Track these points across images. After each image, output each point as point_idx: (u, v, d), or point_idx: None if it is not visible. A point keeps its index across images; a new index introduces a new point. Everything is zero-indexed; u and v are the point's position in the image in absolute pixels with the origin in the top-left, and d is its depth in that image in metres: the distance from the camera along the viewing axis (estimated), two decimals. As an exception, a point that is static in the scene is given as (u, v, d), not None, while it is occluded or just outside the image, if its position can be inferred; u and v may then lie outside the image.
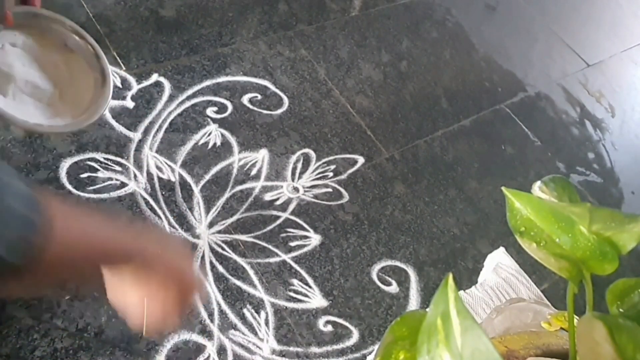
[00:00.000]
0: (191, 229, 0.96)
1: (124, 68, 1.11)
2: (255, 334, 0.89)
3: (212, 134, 1.09)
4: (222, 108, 1.14)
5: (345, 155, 1.17)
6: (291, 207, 1.05)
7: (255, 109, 1.16)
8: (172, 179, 1.01)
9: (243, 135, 1.11)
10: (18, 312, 0.80)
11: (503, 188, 0.53)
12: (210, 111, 1.12)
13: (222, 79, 1.18)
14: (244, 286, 0.93)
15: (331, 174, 1.13)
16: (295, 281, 0.97)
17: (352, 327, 0.95)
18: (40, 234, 0.42)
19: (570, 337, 0.49)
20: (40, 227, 0.42)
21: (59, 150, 0.97)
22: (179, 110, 1.10)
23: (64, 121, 0.91)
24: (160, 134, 1.06)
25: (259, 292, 0.94)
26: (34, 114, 0.88)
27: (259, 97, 1.18)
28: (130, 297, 0.55)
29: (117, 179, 0.97)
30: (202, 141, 1.08)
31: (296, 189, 1.08)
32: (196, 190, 1.01)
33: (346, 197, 1.11)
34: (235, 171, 1.06)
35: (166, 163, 1.03)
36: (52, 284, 0.48)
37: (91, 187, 0.95)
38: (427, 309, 0.37)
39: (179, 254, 0.58)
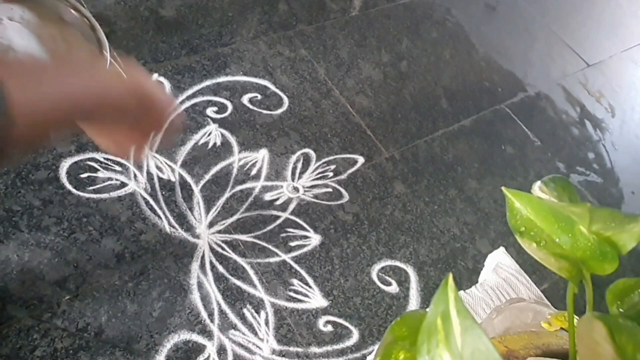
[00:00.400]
0: (191, 229, 0.96)
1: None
2: (255, 334, 0.89)
3: (212, 133, 1.09)
4: (222, 108, 1.14)
5: (345, 155, 1.17)
6: (291, 207, 1.05)
7: (255, 108, 1.16)
8: (172, 179, 1.01)
9: (243, 135, 1.11)
10: (18, 312, 0.81)
11: (503, 188, 0.53)
12: (210, 111, 1.12)
13: (222, 79, 1.18)
14: (244, 286, 0.93)
15: (331, 174, 1.13)
16: (295, 281, 0.97)
17: (352, 327, 0.95)
18: (2, 114, 0.41)
19: (570, 337, 0.49)
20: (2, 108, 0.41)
21: (59, 150, 0.97)
22: (179, 110, 1.10)
23: None
24: (160, 134, 1.06)
25: (259, 292, 0.94)
26: None
27: (259, 97, 1.18)
28: (113, 136, 0.56)
29: (117, 179, 0.97)
30: (202, 141, 1.08)
31: (296, 189, 1.08)
32: (196, 190, 1.01)
33: (346, 197, 1.11)
34: (235, 171, 1.06)
35: (166, 163, 1.03)
36: (26, 151, 0.45)
37: (91, 187, 0.95)
38: (427, 309, 0.37)
39: (136, 78, 0.55)
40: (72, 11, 1.02)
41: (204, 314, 0.89)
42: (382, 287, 1.02)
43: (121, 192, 0.96)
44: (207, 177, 1.04)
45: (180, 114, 0.67)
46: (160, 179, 1.00)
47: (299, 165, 1.12)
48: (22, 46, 0.94)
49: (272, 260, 0.98)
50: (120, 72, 0.53)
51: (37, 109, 0.45)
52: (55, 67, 0.50)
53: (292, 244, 1.01)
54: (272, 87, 1.21)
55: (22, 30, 0.95)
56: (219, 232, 0.98)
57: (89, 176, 0.96)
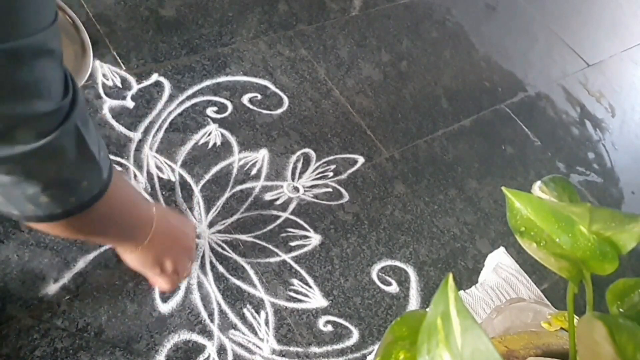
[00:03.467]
0: (191, 228, 0.96)
1: (124, 68, 1.11)
2: (255, 333, 0.89)
3: (212, 133, 1.09)
4: (222, 108, 1.14)
5: (345, 155, 1.17)
6: (291, 206, 1.05)
7: (255, 108, 1.16)
8: (172, 179, 1.01)
9: (243, 135, 1.11)
10: (18, 312, 0.81)
11: (503, 188, 0.53)
12: (210, 111, 1.12)
13: (222, 78, 1.18)
14: (244, 286, 0.93)
15: (331, 174, 1.13)
16: (295, 281, 0.97)
17: (352, 327, 0.95)
18: (107, 185, 0.50)
19: (570, 337, 0.49)
20: (108, 180, 0.50)
21: (59, 150, 0.97)
22: (179, 110, 1.10)
23: None
24: (160, 134, 1.06)
25: (259, 292, 0.94)
26: None
27: (259, 97, 1.18)
28: (146, 264, 0.66)
29: (117, 179, 0.97)
30: (202, 141, 1.08)
31: (296, 189, 1.08)
32: (196, 190, 1.01)
33: (346, 197, 1.11)
34: (235, 171, 1.06)
35: (166, 163, 1.03)
36: (90, 233, 0.55)
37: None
38: (427, 309, 0.37)
39: (183, 225, 0.70)
40: (60, 14, 1.02)
41: (204, 314, 0.89)
42: (382, 287, 1.02)
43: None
44: (207, 177, 1.04)
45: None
46: (160, 178, 1.00)
47: (299, 165, 1.12)
48: None
49: (272, 260, 0.98)
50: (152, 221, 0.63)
51: (111, 214, 0.54)
52: (139, 198, 0.62)
53: (292, 243, 1.01)
54: (272, 87, 1.21)
55: None
56: (219, 232, 0.98)
57: (89, 176, 0.96)
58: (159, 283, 0.71)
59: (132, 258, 0.65)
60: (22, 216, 0.47)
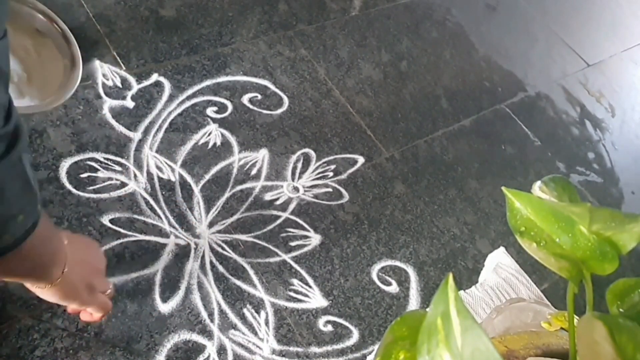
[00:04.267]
0: (191, 228, 0.96)
1: (124, 68, 1.11)
2: (255, 333, 0.89)
3: (212, 133, 1.09)
4: (222, 108, 1.14)
5: (345, 155, 1.17)
6: (291, 206, 1.05)
7: (255, 108, 1.16)
8: (172, 179, 1.01)
9: (243, 135, 1.11)
10: (18, 312, 0.80)
11: (503, 188, 0.53)
12: (210, 111, 1.12)
13: (222, 78, 1.18)
14: (244, 286, 0.93)
15: (331, 174, 1.13)
16: (295, 281, 0.97)
17: (352, 327, 0.95)
18: (39, 215, 0.46)
19: (570, 337, 0.49)
20: (40, 214, 0.46)
21: (59, 150, 0.97)
22: (179, 110, 1.10)
23: (29, 103, 0.91)
24: (160, 134, 1.06)
25: (259, 292, 0.94)
26: None
27: (259, 96, 1.18)
28: (68, 296, 0.61)
29: (117, 179, 0.97)
30: (202, 141, 1.08)
31: (296, 189, 1.08)
32: (196, 190, 1.01)
33: (346, 197, 1.11)
34: (235, 171, 1.06)
35: (166, 163, 1.03)
36: (6, 274, 0.50)
37: (91, 187, 0.95)
38: (427, 309, 0.37)
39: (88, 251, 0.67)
40: (48, 22, 1.01)
41: (204, 314, 0.89)
42: (382, 287, 1.02)
43: (121, 192, 0.96)
44: (207, 177, 1.04)
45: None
46: (160, 178, 1.00)
47: (299, 165, 1.12)
48: None
49: (272, 260, 0.98)
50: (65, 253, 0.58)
51: (34, 251, 0.49)
52: (51, 225, 0.55)
53: (292, 243, 1.01)
54: (272, 87, 1.21)
55: None
56: (219, 232, 0.98)
57: (89, 176, 0.96)
58: (90, 310, 0.67)
59: (48, 293, 0.58)
60: None
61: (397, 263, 1.06)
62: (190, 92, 1.13)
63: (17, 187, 0.41)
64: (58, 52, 1.00)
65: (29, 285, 0.57)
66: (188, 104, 1.11)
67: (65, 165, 0.96)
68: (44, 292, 0.58)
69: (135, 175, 0.99)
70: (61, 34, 1.01)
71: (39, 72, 0.97)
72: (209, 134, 1.09)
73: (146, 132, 1.05)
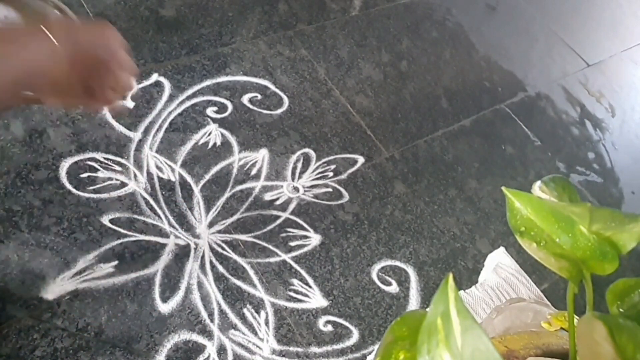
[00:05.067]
0: (191, 228, 0.96)
1: (124, 68, 1.11)
2: (255, 333, 0.89)
3: (212, 133, 1.09)
4: (222, 108, 1.14)
5: (345, 155, 1.17)
6: (291, 206, 1.05)
7: (255, 108, 1.16)
8: (172, 179, 1.01)
9: (243, 135, 1.11)
10: (18, 312, 0.81)
11: (503, 188, 0.53)
12: (210, 111, 1.12)
13: (222, 78, 1.18)
14: (244, 286, 0.93)
15: (331, 174, 1.13)
16: (295, 281, 0.97)
17: (352, 327, 0.95)
18: None
19: (570, 337, 0.49)
20: None
21: (59, 150, 0.97)
22: (179, 110, 1.10)
23: None
24: (160, 134, 1.06)
25: (259, 292, 0.94)
26: None
27: (259, 96, 1.18)
28: (69, 92, 0.56)
29: (117, 179, 0.97)
30: (202, 141, 1.08)
31: (296, 189, 1.08)
32: (196, 190, 1.01)
33: (346, 197, 1.11)
34: (235, 171, 1.06)
35: (166, 163, 1.03)
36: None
37: (91, 187, 0.95)
38: (427, 309, 0.37)
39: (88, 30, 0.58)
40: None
41: (204, 314, 0.89)
42: (382, 287, 1.02)
43: (121, 192, 0.96)
44: (207, 177, 1.04)
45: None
46: (160, 178, 1.00)
47: (299, 165, 1.12)
48: None
49: (272, 260, 0.98)
50: (53, 44, 0.52)
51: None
52: (4, 40, 0.50)
53: (292, 243, 1.01)
54: (272, 87, 1.21)
55: None
56: (219, 232, 0.98)
57: (89, 176, 0.96)
58: (97, 104, 0.60)
59: (52, 100, 0.55)
60: None
61: (397, 263, 1.06)
62: (190, 92, 1.13)
63: None
64: None
65: (41, 96, 0.55)
66: (188, 104, 1.11)
67: (65, 165, 0.96)
68: (46, 96, 0.55)
69: (135, 175, 0.99)
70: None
71: None
72: (209, 134, 1.09)
73: (146, 132, 1.05)
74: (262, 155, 1.10)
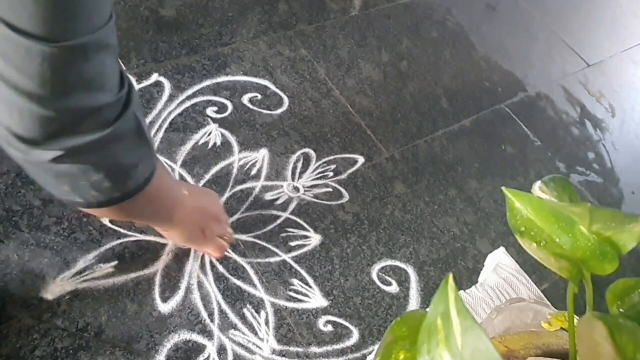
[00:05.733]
0: (191, 228, 0.96)
1: (124, 68, 1.11)
2: (255, 333, 0.89)
3: (212, 133, 1.09)
4: (222, 108, 1.14)
5: (345, 155, 1.17)
6: (291, 206, 1.05)
7: (255, 108, 1.16)
8: (172, 179, 1.01)
9: (243, 135, 1.11)
10: (18, 312, 0.81)
11: (503, 188, 0.53)
12: (210, 111, 1.12)
13: (222, 78, 1.18)
14: (244, 286, 0.93)
15: (331, 174, 1.13)
16: (295, 281, 0.97)
17: (352, 327, 0.95)
18: (155, 167, 0.56)
19: (570, 337, 0.49)
20: (156, 162, 0.57)
21: (59, 150, 0.97)
22: (179, 110, 1.10)
23: None
24: (160, 134, 1.06)
25: (259, 292, 0.94)
26: None
27: (259, 96, 1.18)
28: (189, 237, 0.81)
29: (117, 179, 0.97)
30: (202, 141, 1.08)
31: (296, 189, 1.08)
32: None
33: (346, 196, 1.11)
34: (235, 171, 1.06)
35: (166, 163, 1.03)
36: (137, 214, 0.63)
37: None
38: (427, 309, 0.37)
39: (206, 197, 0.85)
40: None
41: (204, 314, 0.89)
42: (382, 287, 1.02)
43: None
44: (207, 176, 1.04)
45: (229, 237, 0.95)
46: (160, 178, 1.00)
47: (299, 165, 1.12)
48: None
49: (272, 260, 0.98)
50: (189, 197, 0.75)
51: (155, 195, 0.60)
52: (171, 177, 0.74)
53: (292, 243, 1.01)
54: (272, 87, 1.21)
55: None
56: (219, 232, 0.98)
57: (89, 176, 0.96)
58: (208, 251, 0.84)
59: (173, 235, 0.75)
60: (85, 203, 0.50)
61: (397, 263, 1.06)
62: (190, 92, 1.13)
63: (135, 140, 0.49)
64: None
65: (157, 228, 0.74)
66: (188, 103, 1.11)
67: (65, 165, 0.96)
68: (169, 234, 0.76)
69: (135, 175, 0.99)
70: None
71: None
72: (209, 134, 1.09)
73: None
74: (262, 155, 1.10)
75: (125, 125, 0.47)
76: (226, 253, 0.96)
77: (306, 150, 1.14)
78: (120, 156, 0.48)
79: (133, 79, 1.10)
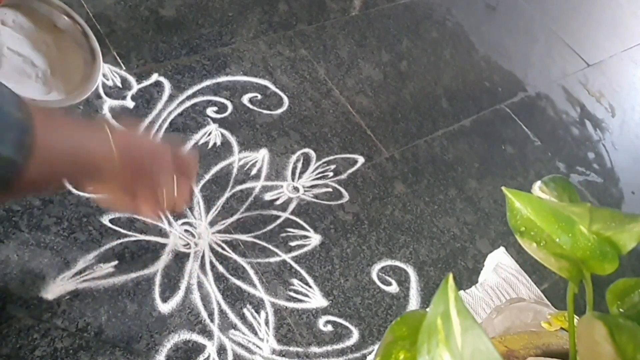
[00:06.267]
0: (191, 228, 0.96)
1: (124, 68, 1.11)
2: (255, 333, 0.89)
3: (212, 133, 1.09)
4: (222, 108, 1.14)
5: (345, 155, 1.17)
6: (291, 206, 1.05)
7: (255, 108, 1.16)
8: (172, 179, 1.01)
9: (243, 135, 1.11)
10: (18, 312, 0.81)
11: (503, 188, 0.53)
12: (210, 111, 1.12)
13: (222, 78, 1.18)
14: (244, 286, 0.93)
15: (331, 174, 1.13)
16: (295, 281, 0.97)
17: (352, 327, 0.95)
18: (32, 137, 0.44)
19: (570, 337, 0.49)
20: (32, 132, 0.44)
21: (59, 150, 0.97)
22: (179, 110, 1.10)
23: (57, 97, 0.92)
24: (160, 134, 1.06)
25: (259, 292, 0.94)
26: (27, 90, 0.89)
27: (259, 96, 1.18)
28: (118, 195, 0.60)
29: (117, 179, 0.97)
30: (202, 141, 1.08)
31: (296, 189, 1.08)
32: (196, 189, 1.01)
33: (346, 196, 1.11)
34: (235, 171, 1.06)
35: (166, 163, 1.03)
36: (35, 189, 0.52)
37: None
38: (427, 309, 0.37)
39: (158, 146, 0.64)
40: (66, 18, 1.03)
41: (204, 314, 0.89)
42: (382, 287, 1.02)
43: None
44: (207, 176, 1.04)
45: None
46: (160, 178, 1.00)
47: (299, 165, 1.12)
48: (15, 50, 0.94)
49: (272, 260, 0.98)
50: (111, 147, 0.57)
51: (52, 156, 0.49)
52: (72, 123, 0.55)
53: (292, 243, 1.01)
54: (272, 87, 1.21)
55: (13, 34, 0.95)
56: (219, 232, 0.98)
57: (89, 176, 0.96)
58: (141, 211, 0.63)
59: (102, 200, 0.60)
60: None
61: (397, 263, 1.06)
62: (190, 92, 1.13)
63: None
64: (77, 46, 1.02)
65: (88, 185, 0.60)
66: (188, 104, 1.11)
67: (65, 165, 0.96)
68: (99, 198, 0.60)
69: (135, 175, 0.99)
70: (80, 30, 1.02)
71: (60, 66, 0.98)
72: (209, 134, 1.09)
73: (146, 132, 1.05)
74: (262, 155, 1.10)
75: None
76: (226, 253, 0.96)
77: (306, 150, 1.14)
78: None
79: (133, 79, 1.10)
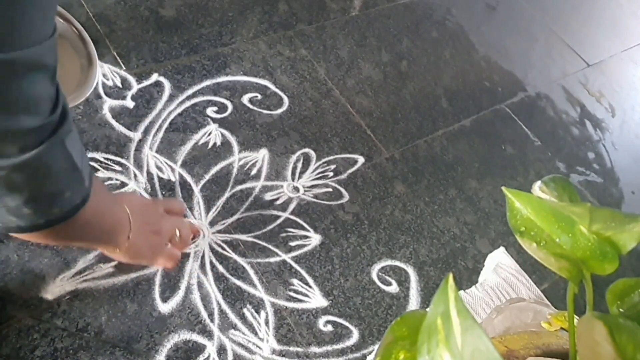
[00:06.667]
0: (191, 228, 0.96)
1: (124, 68, 1.11)
2: (255, 333, 0.89)
3: (212, 133, 1.09)
4: (222, 108, 1.14)
5: (345, 155, 1.17)
6: (291, 206, 1.05)
7: (255, 108, 1.16)
8: (172, 179, 1.01)
9: (243, 135, 1.11)
10: (18, 312, 0.81)
11: (503, 188, 0.53)
12: (210, 111, 1.12)
13: (222, 78, 1.18)
14: (244, 286, 0.93)
15: (331, 174, 1.13)
16: (295, 281, 0.97)
17: (352, 327, 0.95)
18: (89, 194, 0.53)
19: (570, 337, 0.50)
20: (87, 200, 0.53)
21: (59, 150, 0.97)
22: (179, 110, 1.10)
23: None
24: (161, 134, 1.06)
25: (259, 292, 0.94)
26: None
27: (259, 96, 1.18)
28: (137, 256, 0.74)
29: (117, 179, 0.97)
30: (202, 141, 1.08)
31: (296, 189, 1.08)
32: (196, 190, 1.01)
33: (346, 196, 1.11)
34: (235, 171, 1.06)
35: (166, 163, 1.03)
36: (72, 239, 0.60)
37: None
38: (427, 309, 0.37)
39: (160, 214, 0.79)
40: (63, 22, 1.02)
41: (204, 314, 0.89)
42: (382, 287, 1.02)
43: (121, 191, 0.96)
44: (207, 176, 1.04)
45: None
46: (160, 178, 1.00)
47: (299, 165, 1.12)
48: None
49: (272, 260, 0.98)
50: (127, 213, 0.70)
51: (92, 220, 0.57)
52: (112, 199, 0.67)
53: (292, 243, 1.01)
54: (272, 87, 1.21)
55: None
56: (219, 232, 0.98)
57: (89, 176, 0.96)
58: (160, 265, 0.79)
59: (120, 256, 0.71)
60: (4, 227, 0.46)
61: (397, 263, 1.06)
62: (190, 92, 1.13)
63: (62, 167, 0.46)
64: (74, 52, 1.01)
65: (104, 251, 0.71)
66: (188, 104, 1.12)
67: (65, 165, 0.96)
68: (116, 255, 0.71)
69: (135, 175, 0.99)
70: (77, 35, 1.02)
71: (57, 71, 0.98)
72: (209, 134, 1.09)
73: (146, 132, 1.05)
74: (262, 155, 1.10)
75: (48, 153, 0.42)
76: (226, 253, 0.96)
77: (306, 150, 1.14)
78: (41, 184, 0.44)
79: (133, 79, 1.10)
